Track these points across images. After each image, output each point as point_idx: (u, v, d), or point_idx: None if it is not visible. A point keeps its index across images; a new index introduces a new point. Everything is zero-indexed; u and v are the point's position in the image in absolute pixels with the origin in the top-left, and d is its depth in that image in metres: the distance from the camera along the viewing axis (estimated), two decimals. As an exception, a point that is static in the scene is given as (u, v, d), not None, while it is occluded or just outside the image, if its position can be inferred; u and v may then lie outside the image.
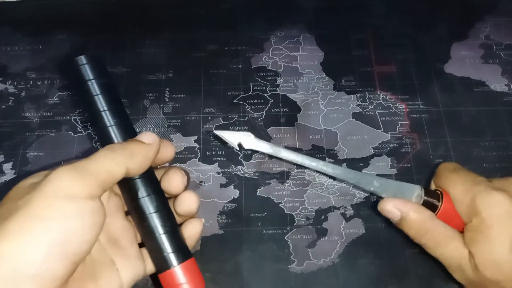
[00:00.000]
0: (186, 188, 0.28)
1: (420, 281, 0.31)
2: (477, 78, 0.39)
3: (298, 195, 0.34)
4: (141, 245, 0.28)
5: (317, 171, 0.33)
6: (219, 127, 0.37)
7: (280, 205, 0.34)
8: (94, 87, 0.26)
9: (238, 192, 0.34)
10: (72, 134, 0.36)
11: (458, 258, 0.28)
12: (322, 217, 0.33)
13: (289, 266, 0.32)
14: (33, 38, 0.41)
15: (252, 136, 0.31)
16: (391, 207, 0.30)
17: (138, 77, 0.39)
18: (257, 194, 0.34)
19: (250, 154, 0.36)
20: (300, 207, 0.34)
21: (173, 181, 0.27)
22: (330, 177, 0.35)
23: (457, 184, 0.29)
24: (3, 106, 0.38)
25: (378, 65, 0.40)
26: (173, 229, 0.27)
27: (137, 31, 0.42)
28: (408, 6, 0.43)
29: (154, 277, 0.31)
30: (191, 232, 0.28)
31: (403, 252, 0.32)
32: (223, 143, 0.35)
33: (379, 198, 0.34)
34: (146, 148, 0.25)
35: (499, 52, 0.41)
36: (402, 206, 0.29)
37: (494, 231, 0.27)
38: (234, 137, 0.31)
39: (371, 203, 0.34)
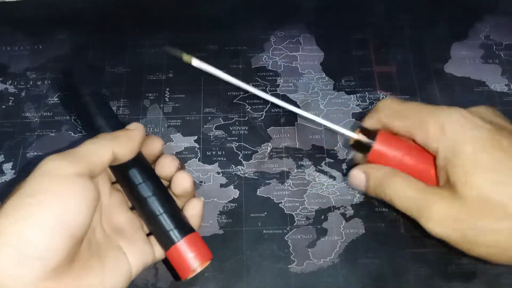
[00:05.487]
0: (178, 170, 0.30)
1: (420, 281, 0.31)
2: (477, 78, 0.39)
3: (298, 195, 0.34)
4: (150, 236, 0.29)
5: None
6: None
7: (280, 205, 0.34)
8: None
9: (238, 192, 0.34)
10: (72, 134, 0.36)
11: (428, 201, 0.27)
12: (322, 217, 0.33)
13: (289, 266, 0.32)
14: (33, 38, 0.41)
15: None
16: (354, 172, 0.30)
17: (138, 77, 0.39)
18: (257, 194, 0.34)
19: (250, 154, 0.36)
20: (300, 207, 0.34)
21: (164, 164, 0.29)
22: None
23: (415, 111, 0.28)
24: (3, 106, 0.38)
25: (378, 65, 0.40)
26: (173, 209, 0.28)
27: (137, 31, 0.42)
28: (408, 6, 0.43)
29: (158, 278, 0.31)
30: (193, 211, 0.29)
31: (403, 252, 0.32)
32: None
33: (379, 200, 0.34)
34: (130, 132, 0.27)
35: (499, 52, 0.41)
36: (364, 169, 0.30)
37: (473, 147, 0.25)
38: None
39: (371, 203, 0.34)
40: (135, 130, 0.28)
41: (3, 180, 0.34)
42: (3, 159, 0.35)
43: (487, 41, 0.41)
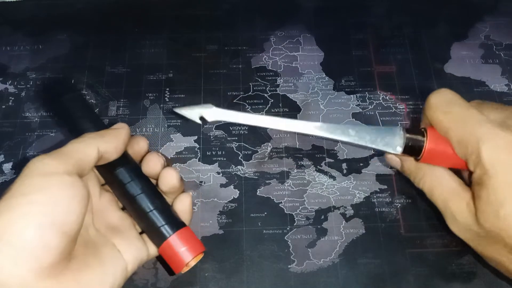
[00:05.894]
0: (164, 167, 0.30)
1: (420, 281, 0.31)
2: (477, 78, 0.39)
3: (298, 195, 0.34)
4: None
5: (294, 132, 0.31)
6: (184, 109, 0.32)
7: (280, 205, 0.34)
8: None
9: (238, 192, 0.34)
10: (72, 134, 0.36)
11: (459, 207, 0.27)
12: (322, 217, 0.33)
13: (289, 266, 0.32)
14: (33, 38, 0.41)
15: (213, 107, 0.30)
16: (390, 156, 0.31)
17: (138, 77, 0.39)
18: (257, 194, 0.34)
19: (250, 154, 0.36)
20: (300, 207, 0.34)
21: (150, 162, 0.29)
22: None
23: (457, 125, 0.26)
24: (3, 106, 0.38)
25: (378, 65, 0.40)
26: (162, 205, 0.28)
27: (137, 31, 0.42)
28: (408, 6, 0.43)
29: (158, 278, 0.31)
30: (182, 206, 0.30)
31: (403, 252, 0.32)
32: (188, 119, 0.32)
33: (379, 199, 0.34)
34: (115, 131, 0.28)
35: (499, 52, 0.41)
36: (398, 156, 0.30)
37: (497, 180, 0.24)
38: (195, 112, 0.30)
39: (371, 203, 0.34)
40: (120, 129, 0.28)
41: (3, 180, 0.34)
42: (3, 159, 0.35)
43: (487, 41, 0.41)
